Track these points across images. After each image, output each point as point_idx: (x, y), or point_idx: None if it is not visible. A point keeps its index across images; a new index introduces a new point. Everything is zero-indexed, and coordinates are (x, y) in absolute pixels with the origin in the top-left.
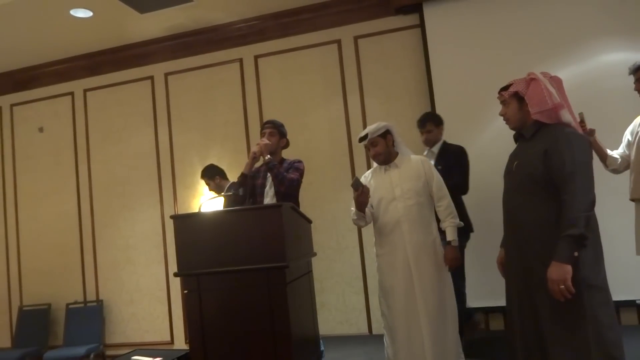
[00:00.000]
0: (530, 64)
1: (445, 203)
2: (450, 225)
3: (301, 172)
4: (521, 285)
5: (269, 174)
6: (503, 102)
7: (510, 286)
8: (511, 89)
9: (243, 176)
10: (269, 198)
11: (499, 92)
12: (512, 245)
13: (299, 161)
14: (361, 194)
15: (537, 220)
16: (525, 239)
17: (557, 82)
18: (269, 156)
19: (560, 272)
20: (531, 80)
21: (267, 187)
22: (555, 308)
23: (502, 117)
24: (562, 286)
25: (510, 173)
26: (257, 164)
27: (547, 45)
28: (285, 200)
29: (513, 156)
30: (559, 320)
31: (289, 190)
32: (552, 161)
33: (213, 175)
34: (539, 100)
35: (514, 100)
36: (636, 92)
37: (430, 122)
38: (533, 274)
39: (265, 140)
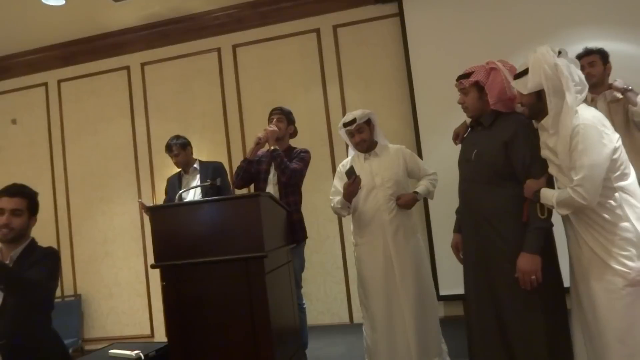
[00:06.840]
0: (509, 53)
1: (431, 173)
2: (425, 184)
3: (306, 163)
4: (480, 275)
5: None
6: (462, 90)
7: (468, 275)
8: (472, 78)
9: (246, 161)
10: (271, 186)
11: (458, 80)
12: (471, 235)
13: (306, 151)
14: (353, 183)
15: (498, 210)
16: (485, 229)
17: (512, 71)
18: (275, 144)
19: (532, 263)
20: (491, 69)
21: (271, 175)
22: (517, 297)
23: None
24: (534, 277)
25: (468, 162)
26: (265, 149)
27: (526, 34)
28: (287, 189)
29: (470, 145)
30: (521, 308)
31: (291, 181)
32: (513, 154)
33: (186, 145)
34: (499, 91)
35: (474, 89)
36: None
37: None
38: (493, 264)
39: (273, 127)
